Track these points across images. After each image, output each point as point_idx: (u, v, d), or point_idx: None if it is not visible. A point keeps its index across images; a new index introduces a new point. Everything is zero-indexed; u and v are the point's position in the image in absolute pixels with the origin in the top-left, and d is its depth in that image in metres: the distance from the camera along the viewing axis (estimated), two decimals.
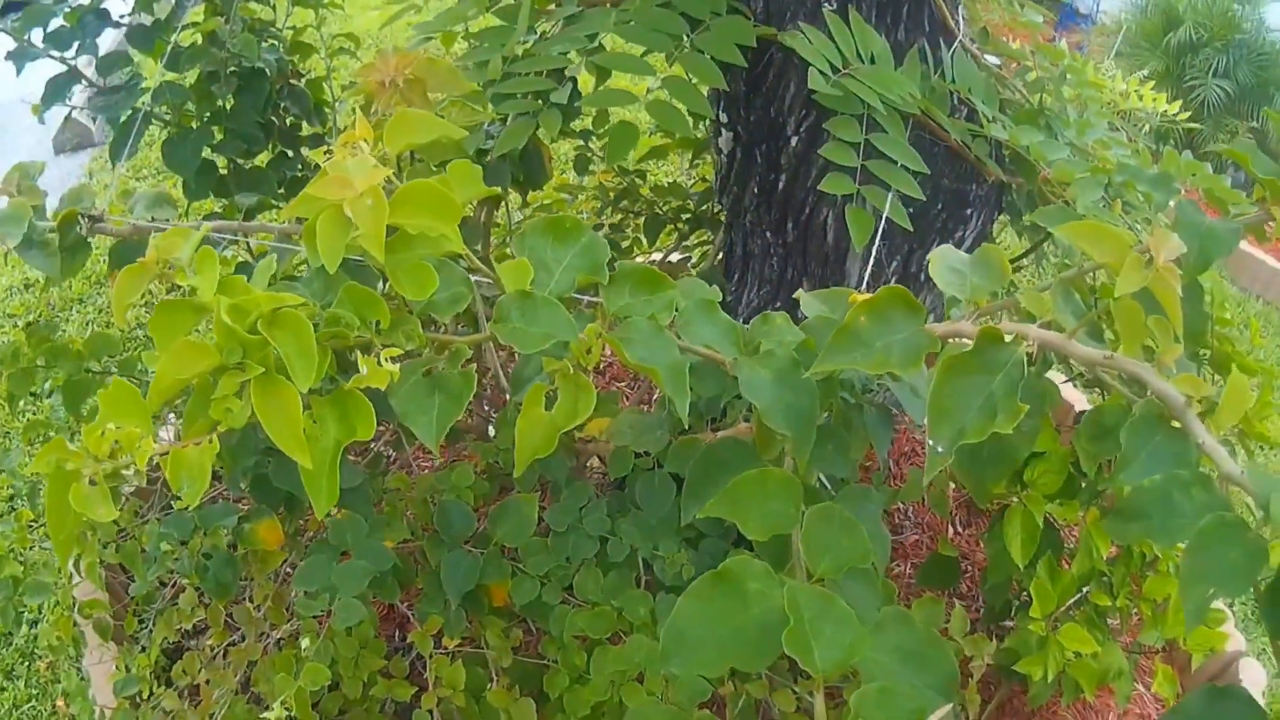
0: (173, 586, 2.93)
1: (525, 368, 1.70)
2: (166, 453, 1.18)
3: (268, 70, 2.43)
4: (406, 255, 1.35)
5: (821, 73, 2.02)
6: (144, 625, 2.76)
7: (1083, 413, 1.73)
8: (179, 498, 1.17)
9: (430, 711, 2.31)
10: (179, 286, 1.36)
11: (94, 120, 6.17)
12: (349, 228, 1.26)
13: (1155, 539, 1.15)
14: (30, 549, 2.78)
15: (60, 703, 3.02)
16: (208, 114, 2.43)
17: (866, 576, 1.48)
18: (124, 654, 2.60)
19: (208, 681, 2.38)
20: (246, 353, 1.21)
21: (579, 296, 1.61)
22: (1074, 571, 2.44)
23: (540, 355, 1.47)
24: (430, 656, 2.34)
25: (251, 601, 2.56)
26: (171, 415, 2.89)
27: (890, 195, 2.10)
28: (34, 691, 3.07)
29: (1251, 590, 1.10)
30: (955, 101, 2.28)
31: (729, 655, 1.27)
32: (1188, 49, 6.73)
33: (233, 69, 2.38)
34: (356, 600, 2.18)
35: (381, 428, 2.78)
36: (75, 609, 2.68)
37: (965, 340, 1.34)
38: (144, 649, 2.63)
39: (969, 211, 2.46)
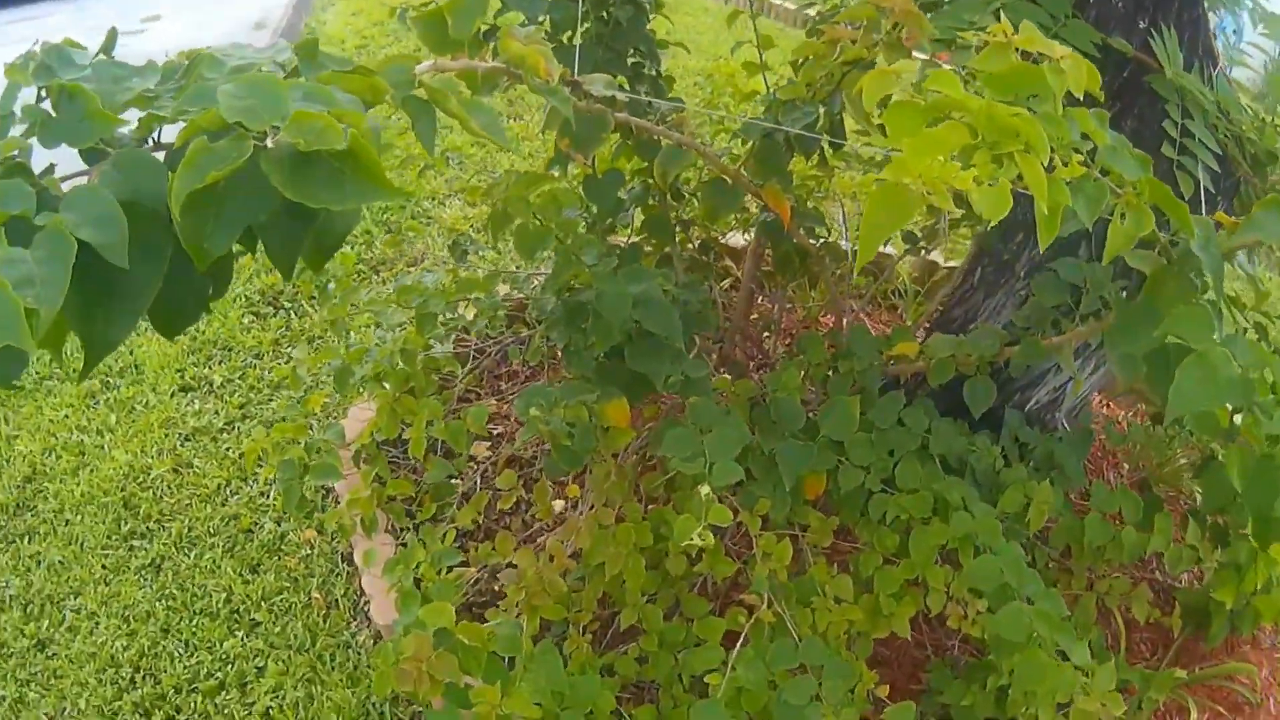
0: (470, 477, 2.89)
1: None
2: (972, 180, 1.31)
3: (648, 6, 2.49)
4: None
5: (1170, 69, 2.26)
6: (442, 512, 2.68)
7: None
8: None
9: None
10: None
11: None
12: None
13: None
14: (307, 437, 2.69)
15: (317, 595, 2.90)
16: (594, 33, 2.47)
17: None
18: (427, 533, 2.53)
19: (562, 542, 2.34)
20: (1000, 135, 1.38)
21: None
22: None
23: None
24: (758, 535, 2.34)
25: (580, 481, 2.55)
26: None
27: (1200, 166, 2.28)
28: (285, 584, 2.95)
29: None
30: (1218, 109, 2.47)
31: (1215, 400, 1.71)
32: None
33: None
34: (734, 463, 2.20)
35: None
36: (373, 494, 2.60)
37: None
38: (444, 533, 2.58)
39: (1218, 197, 2.63)
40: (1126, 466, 3.43)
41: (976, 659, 2.70)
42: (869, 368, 2.55)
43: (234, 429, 3.50)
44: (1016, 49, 1.54)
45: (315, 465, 2.64)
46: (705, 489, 2.16)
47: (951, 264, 3.86)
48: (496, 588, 2.84)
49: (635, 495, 2.57)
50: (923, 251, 3.19)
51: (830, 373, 2.63)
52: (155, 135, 1.29)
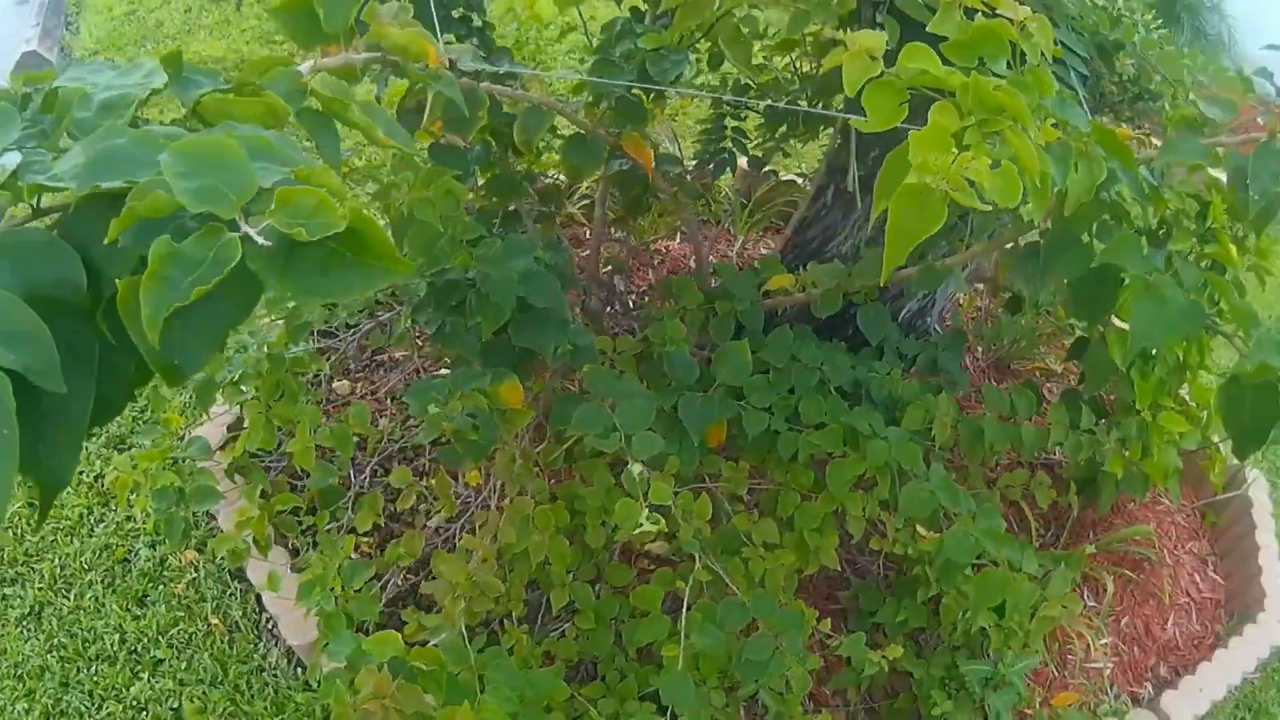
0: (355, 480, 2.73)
1: None
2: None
3: None
4: None
5: None
6: (336, 518, 2.53)
7: None
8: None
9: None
10: None
11: None
12: None
13: None
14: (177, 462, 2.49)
15: (215, 620, 2.71)
16: None
17: None
18: (326, 545, 2.37)
19: (493, 539, 2.22)
20: (988, 112, 1.34)
21: None
22: (1157, 374, 2.62)
23: None
24: (675, 495, 2.27)
25: (480, 467, 2.43)
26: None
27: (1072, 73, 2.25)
28: (178, 614, 2.73)
29: None
30: None
31: (1172, 329, 1.79)
32: None
33: None
34: (651, 432, 2.11)
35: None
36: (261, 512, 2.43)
37: None
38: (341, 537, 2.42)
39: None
40: (980, 350, 3.46)
41: (899, 576, 2.71)
42: (750, 306, 2.48)
43: (83, 449, 3.19)
44: (961, 7, 1.46)
45: (192, 490, 2.46)
46: (637, 468, 2.06)
47: (777, 171, 3.77)
48: (402, 579, 2.72)
49: (539, 473, 2.47)
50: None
51: (708, 316, 2.56)
52: (35, 202, 1.03)
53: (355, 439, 2.45)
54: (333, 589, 2.25)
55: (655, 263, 3.51)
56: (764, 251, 3.54)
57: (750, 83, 2.69)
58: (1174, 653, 2.94)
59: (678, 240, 3.55)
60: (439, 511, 2.67)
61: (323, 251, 0.88)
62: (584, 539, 2.31)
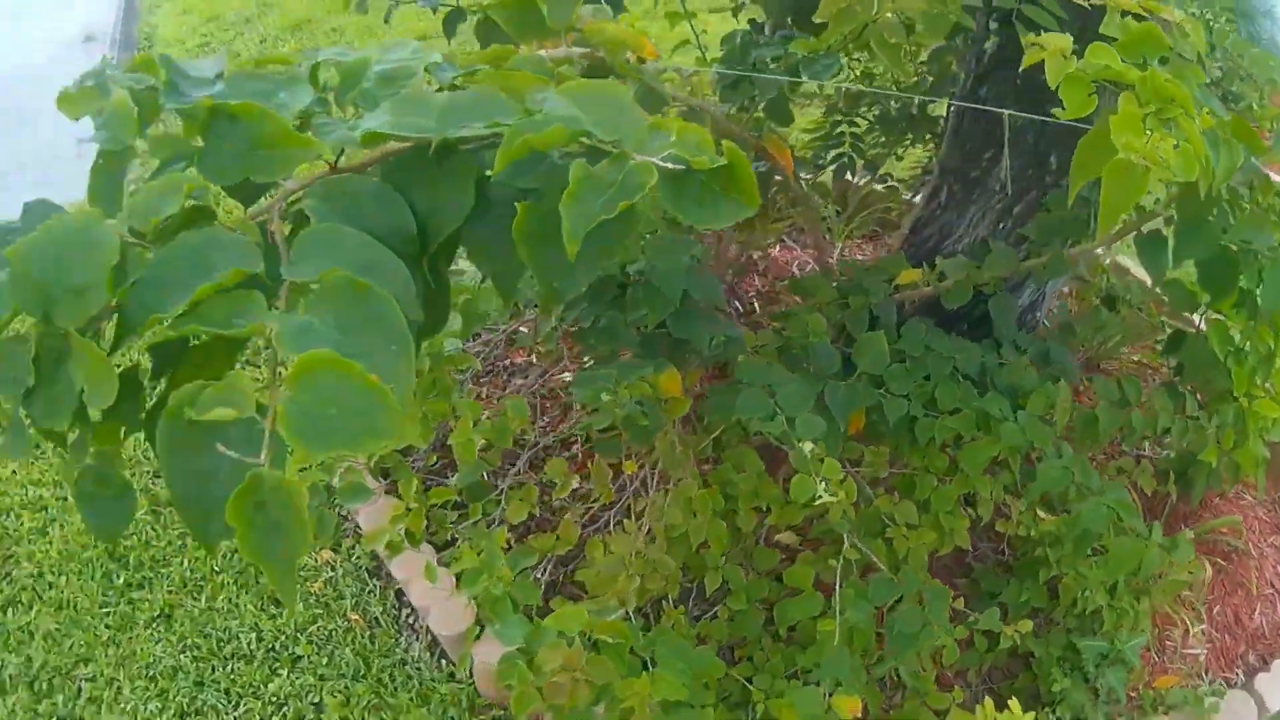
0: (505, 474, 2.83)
1: None
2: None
3: None
4: None
5: None
6: (487, 515, 2.62)
7: None
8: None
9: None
10: None
11: None
12: None
13: None
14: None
15: (354, 616, 2.80)
16: None
17: None
18: (480, 535, 2.46)
19: (658, 523, 2.34)
20: (1161, 101, 1.57)
21: None
22: (1250, 363, 2.79)
23: None
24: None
25: (641, 456, 2.54)
26: None
27: None
28: (316, 611, 2.81)
29: None
30: None
31: None
32: None
33: None
34: (814, 415, 2.24)
35: None
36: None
37: None
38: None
39: None
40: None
41: (1017, 560, 2.84)
42: (884, 300, 2.63)
43: None
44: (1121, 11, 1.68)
45: (343, 487, 2.56)
46: (808, 446, 2.19)
47: (891, 174, 3.93)
48: (545, 572, 2.81)
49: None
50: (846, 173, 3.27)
51: (839, 311, 2.70)
52: (334, 161, 1.15)
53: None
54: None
55: (760, 268, 3.65)
56: (859, 258, 3.69)
57: (863, 89, 2.86)
58: (1261, 641, 3.07)
59: (777, 249, 3.70)
60: (583, 503, 2.78)
61: (697, 183, 1.00)
62: (735, 523, 2.42)
